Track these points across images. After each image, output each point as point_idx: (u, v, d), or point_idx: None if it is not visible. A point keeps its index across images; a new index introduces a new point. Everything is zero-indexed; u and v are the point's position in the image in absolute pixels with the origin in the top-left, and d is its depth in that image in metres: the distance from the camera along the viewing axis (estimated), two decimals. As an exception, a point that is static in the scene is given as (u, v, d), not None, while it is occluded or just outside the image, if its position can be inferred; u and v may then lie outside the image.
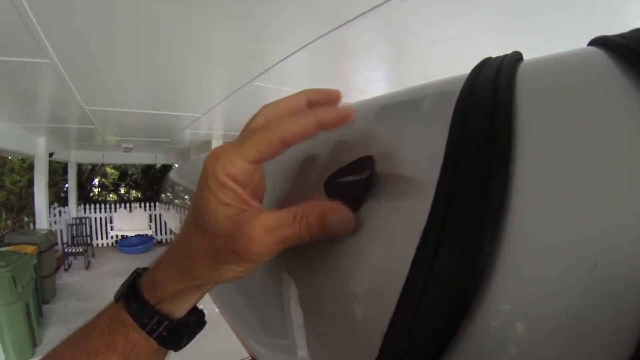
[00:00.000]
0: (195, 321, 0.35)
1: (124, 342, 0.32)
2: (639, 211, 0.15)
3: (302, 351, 0.32)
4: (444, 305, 0.19)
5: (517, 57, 0.26)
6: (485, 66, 0.26)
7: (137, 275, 0.34)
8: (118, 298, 0.34)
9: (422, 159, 0.25)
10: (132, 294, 0.33)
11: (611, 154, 0.17)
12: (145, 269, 0.35)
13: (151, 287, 0.32)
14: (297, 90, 0.31)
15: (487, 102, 0.22)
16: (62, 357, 0.34)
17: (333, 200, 0.27)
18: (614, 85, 0.19)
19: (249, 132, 0.29)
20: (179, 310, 0.33)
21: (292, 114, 0.30)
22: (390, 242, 0.25)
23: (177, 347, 0.35)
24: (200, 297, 0.34)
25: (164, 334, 0.32)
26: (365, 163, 0.29)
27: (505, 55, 0.27)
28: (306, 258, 0.33)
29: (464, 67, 0.27)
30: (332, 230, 0.27)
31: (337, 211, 0.27)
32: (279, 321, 0.36)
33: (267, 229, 0.26)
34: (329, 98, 0.32)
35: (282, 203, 0.36)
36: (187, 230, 0.30)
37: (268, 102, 0.31)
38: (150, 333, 0.32)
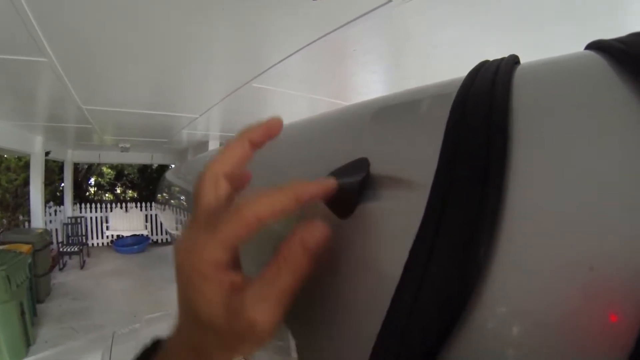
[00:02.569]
0: None
1: None
2: (635, 215, 0.15)
3: (297, 352, 0.32)
4: (438, 307, 0.19)
5: (514, 60, 0.26)
6: (482, 69, 0.26)
7: None
8: None
9: (417, 161, 0.25)
10: None
11: (608, 159, 0.17)
12: (147, 354, 0.32)
13: None
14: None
15: (484, 106, 0.22)
16: None
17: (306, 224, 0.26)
18: (611, 90, 0.19)
19: (214, 213, 0.27)
20: None
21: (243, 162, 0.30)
22: (385, 244, 0.25)
23: None
24: None
25: None
26: (361, 165, 0.29)
27: (503, 59, 0.27)
28: None
29: (463, 70, 0.27)
30: (319, 247, 0.26)
31: (310, 230, 0.26)
32: None
33: (261, 300, 0.24)
34: (271, 131, 0.30)
35: None
36: (188, 328, 0.28)
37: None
38: None
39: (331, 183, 0.28)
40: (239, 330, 0.25)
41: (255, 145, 0.30)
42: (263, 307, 0.24)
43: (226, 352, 0.27)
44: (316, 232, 0.26)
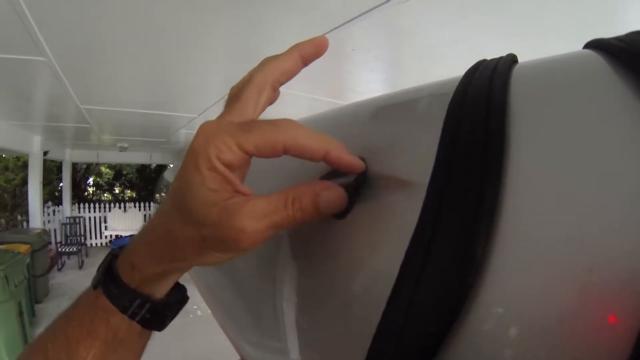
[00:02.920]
0: (177, 299, 0.34)
1: (105, 327, 0.31)
2: (634, 215, 0.15)
3: (294, 353, 0.32)
4: (434, 308, 0.19)
5: (512, 59, 0.26)
6: (480, 68, 0.26)
7: (112, 258, 0.33)
8: (96, 284, 0.32)
9: (414, 160, 0.25)
10: (110, 278, 0.31)
11: (606, 158, 0.17)
12: (121, 248, 0.33)
13: (130, 271, 0.31)
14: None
15: (481, 105, 0.22)
16: (44, 347, 0.32)
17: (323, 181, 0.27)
18: (611, 89, 0.19)
19: (250, 120, 0.28)
20: (160, 290, 0.32)
21: (290, 74, 0.30)
22: (381, 243, 0.25)
23: (161, 327, 0.33)
24: (181, 276, 0.33)
25: (147, 316, 0.31)
26: None
27: (500, 58, 0.26)
28: (298, 259, 0.33)
29: (462, 69, 0.27)
30: (326, 210, 0.26)
31: (330, 190, 0.26)
32: (271, 323, 0.36)
33: (258, 216, 0.24)
34: (319, 48, 0.31)
35: None
36: (169, 214, 0.28)
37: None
38: (132, 317, 0.31)
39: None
40: (222, 234, 0.25)
41: (305, 61, 0.30)
42: (257, 224, 0.24)
43: (197, 247, 0.27)
44: (333, 195, 0.26)
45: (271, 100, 0.31)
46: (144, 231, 0.31)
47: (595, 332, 0.14)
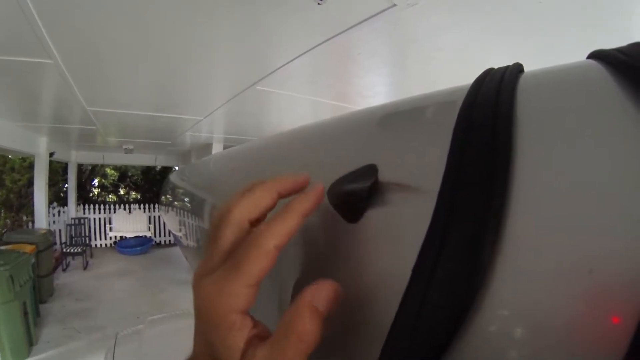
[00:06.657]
0: None
1: None
2: (632, 220, 0.15)
3: None
4: (445, 309, 0.19)
5: (518, 68, 0.27)
6: (487, 78, 0.26)
7: None
8: None
9: (424, 168, 0.26)
10: None
11: (607, 166, 0.17)
12: None
13: None
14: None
15: (489, 114, 0.23)
16: None
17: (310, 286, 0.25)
18: (612, 100, 0.19)
19: (236, 253, 0.26)
20: None
21: (267, 211, 0.29)
22: (393, 247, 0.25)
23: None
24: None
25: None
26: (369, 171, 0.29)
27: (507, 67, 0.27)
28: (311, 262, 0.33)
29: (467, 74, 0.27)
30: (330, 308, 0.24)
31: (319, 290, 0.25)
32: None
33: None
34: (299, 186, 0.30)
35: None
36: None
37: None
38: None
39: (320, 189, 0.28)
40: None
41: (282, 195, 0.30)
42: None
43: None
44: (326, 292, 0.25)
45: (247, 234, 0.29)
46: None
47: (593, 332, 0.15)
